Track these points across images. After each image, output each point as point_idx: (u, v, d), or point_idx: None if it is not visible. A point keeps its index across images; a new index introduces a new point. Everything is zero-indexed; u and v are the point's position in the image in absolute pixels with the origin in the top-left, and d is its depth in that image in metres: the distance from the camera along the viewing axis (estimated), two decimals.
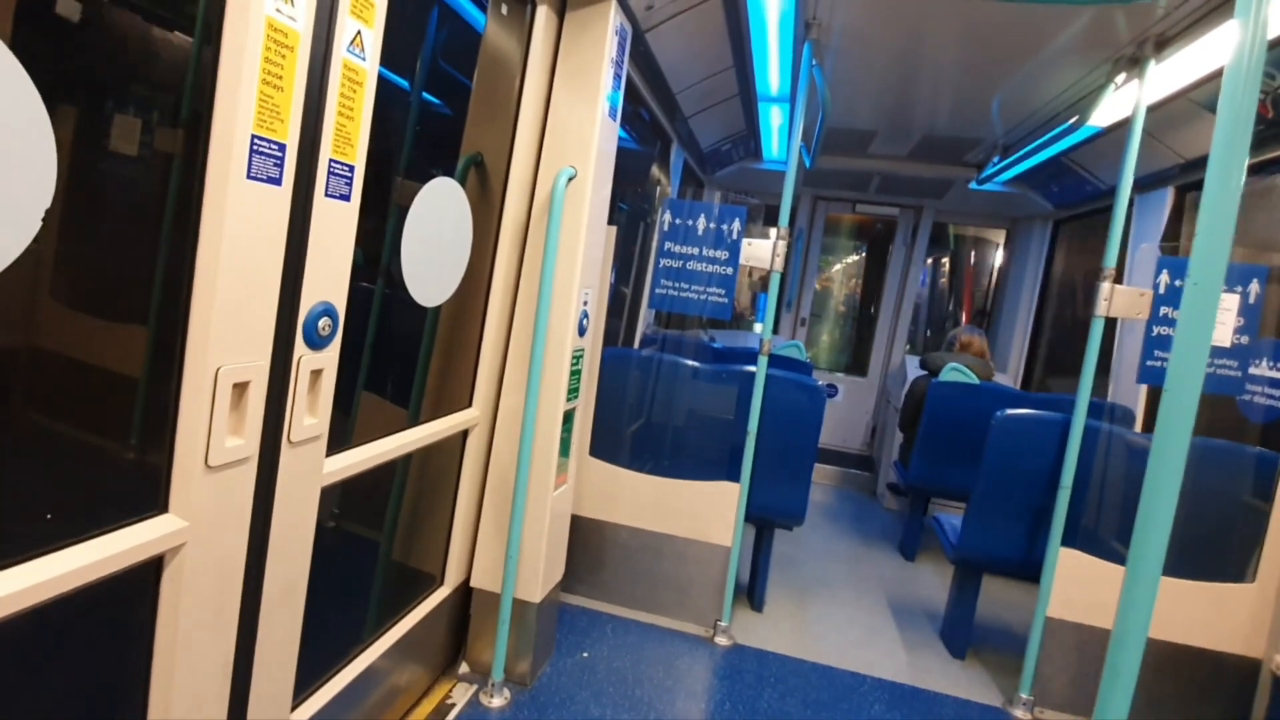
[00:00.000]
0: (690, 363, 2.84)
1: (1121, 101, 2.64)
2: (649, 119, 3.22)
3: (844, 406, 5.46)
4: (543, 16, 1.96)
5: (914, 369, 4.33)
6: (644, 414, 2.85)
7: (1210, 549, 2.37)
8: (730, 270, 2.52)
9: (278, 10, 1.07)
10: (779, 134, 4.03)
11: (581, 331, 2.14)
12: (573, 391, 2.14)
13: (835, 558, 3.59)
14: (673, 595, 2.66)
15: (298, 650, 1.41)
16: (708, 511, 2.61)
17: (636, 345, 4.01)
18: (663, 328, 4.52)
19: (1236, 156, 0.86)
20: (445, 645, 2.15)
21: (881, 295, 5.47)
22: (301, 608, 1.39)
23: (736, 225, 2.52)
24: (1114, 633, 0.92)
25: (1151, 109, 2.43)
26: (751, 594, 2.90)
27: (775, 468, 2.67)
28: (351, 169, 1.29)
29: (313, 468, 1.34)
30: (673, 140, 3.68)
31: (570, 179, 1.99)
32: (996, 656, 2.73)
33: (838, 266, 6.52)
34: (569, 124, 2.04)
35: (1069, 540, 2.32)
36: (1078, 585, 2.32)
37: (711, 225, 2.54)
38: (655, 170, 3.90)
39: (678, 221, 2.58)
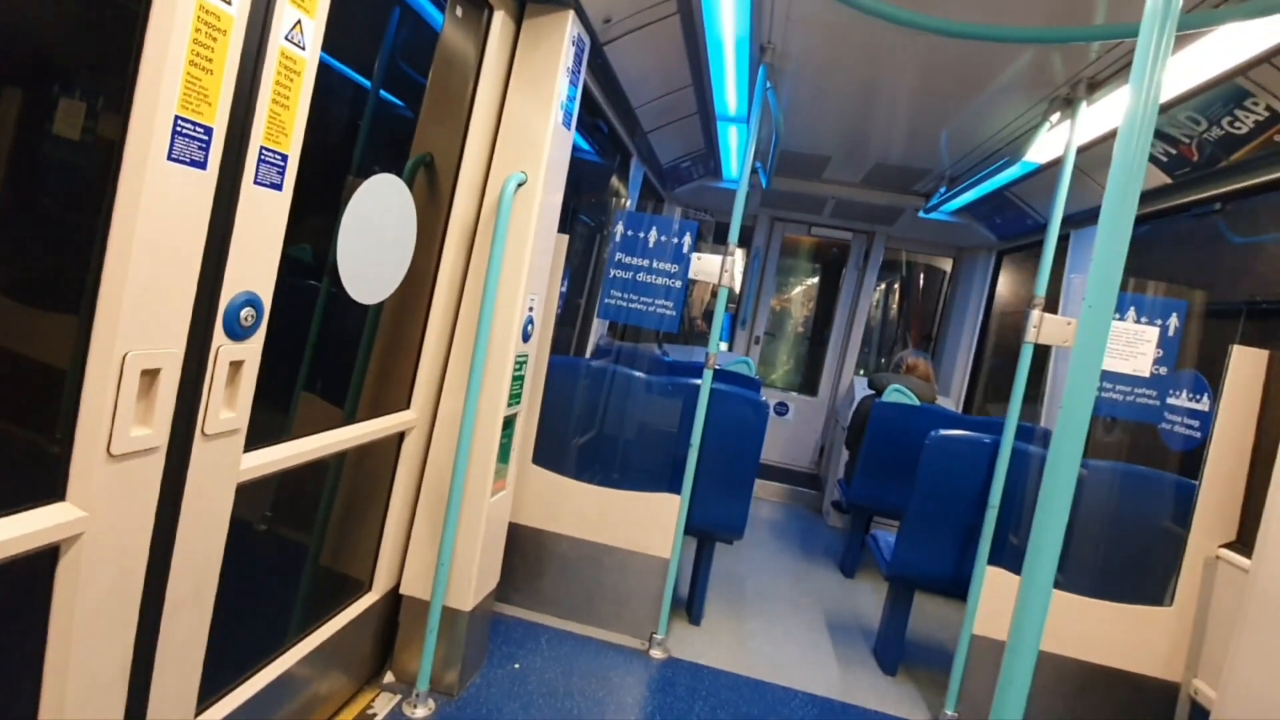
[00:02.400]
0: (636, 373, 2.85)
1: (1056, 140, 2.77)
2: (608, 132, 3.24)
3: (794, 425, 5.54)
4: (499, 22, 1.97)
5: (862, 390, 4.43)
6: (588, 423, 2.85)
7: (1131, 572, 2.46)
8: (679, 284, 2.55)
9: None
10: (738, 154, 4.11)
11: (526, 337, 2.13)
12: (514, 397, 2.12)
13: (777, 573, 3.62)
14: (611, 607, 2.64)
15: (204, 653, 1.35)
16: (649, 523, 2.61)
17: (588, 355, 4.01)
18: (616, 339, 4.53)
19: (1127, 204, 0.93)
20: (371, 653, 2.09)
21: (834, 316, 5.60)
22: (209, 608, 1.34)
23: (687, 239, 2.56)
24: (1009, 642, 0.95)
25: (1083, 149, 2.55)
26: (690, 607, 2.90)
27: (717, 481, 2.69)
28: (285, 158, 1.27)
29: (228, 463, 1.30)
30: (632, 154, 3.71)
31: (520, 184, 1.99)
32: (926, 673, 2.79)
33: (798, 289, 6.66)
34: (522, 130, 2.05)
35: (995, 559, 2.39)
36: (1003, 603, 2.38)
37: (663, 238, 2.57)
38: (615, 183, 3.93)
39: (630, 233, 2.60)
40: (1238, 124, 2.25)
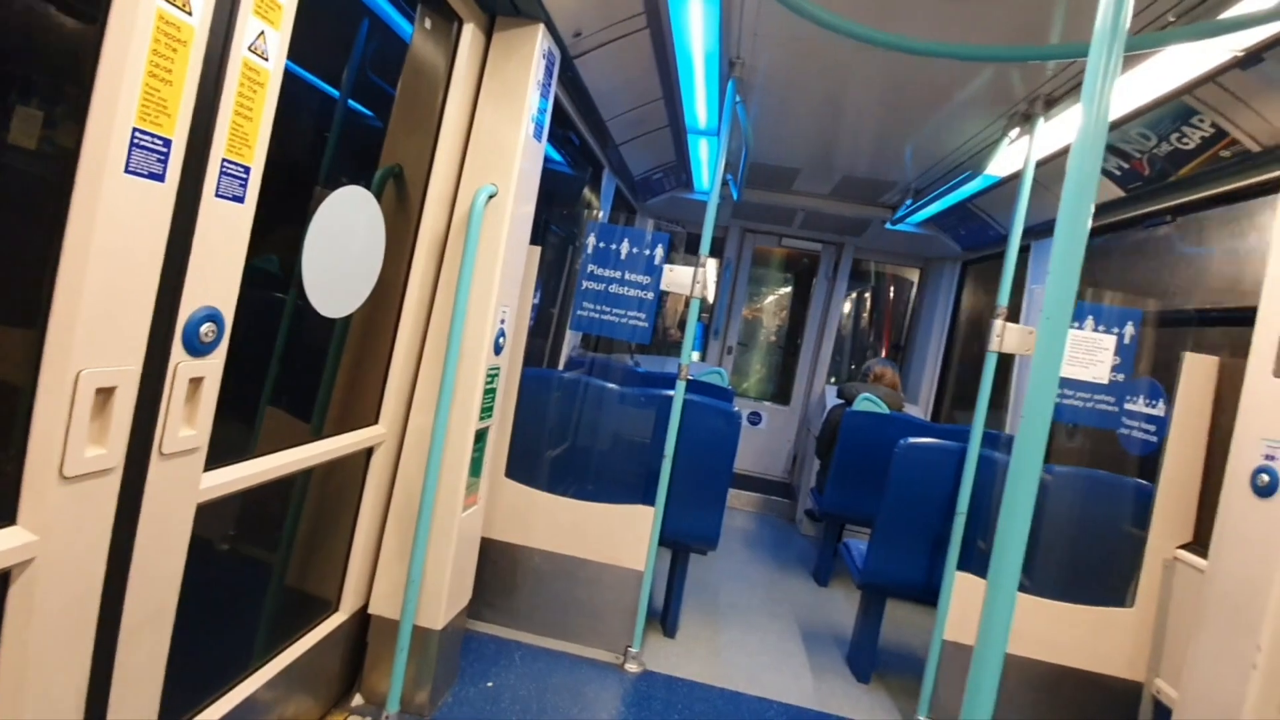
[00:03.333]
0: (609, 385, 2.85)
1: (1016, 154, 2.85)
2: (579, 144, 3.26)
3: (767, 434, 5.58)
4: (469, 35, 1.96)
5: (833, 399, 4.48)
6: (561, 435, 2.83)
7: (1094, 574, 2.52)
8: (651, 295, 2.56)
9: (170, 2, 1.04)
10: (709, 166, 4.15)
11: (498, 350, 2.12)
12: (486, 410, 2.10)
13: (751, 583, 3.63)
14: (585, 621, 2.62)
15: (163, 678, 1.30)
16: (623, 535, 2.60)
17: (561, 367, 4.00)
18: (589, 350, 4.53)
19: (1080, 217, 0.96)
20: (339, 675, 2.04)
21: (805, 326, 5.67)
22: (168, 634, 1.29)
23: (659, 251, 2.57)
24: (976, 646, 0.97)
25: (1042, 163, 2.63)
26: (665, 619, 2.89)
27: (690, 492, 2.69)
28: (247, 170, 1.24)
29: (187, 482, 1.26)
30: (604, 166, 3.73)
31: (491, 197, 1.99)
32: (899, 680, 2.81)
33: (770, 298, 6.73)
34: (492, 142, 2.05)
35: (964, 565, 2.43)
36: (973, 608, 2.42)
37: (634, 250, 2.58)
38: (587, 194, 3.94)
39: (602, 245, 2.61)
40: (1185, 140, 2.35)
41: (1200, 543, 2.31)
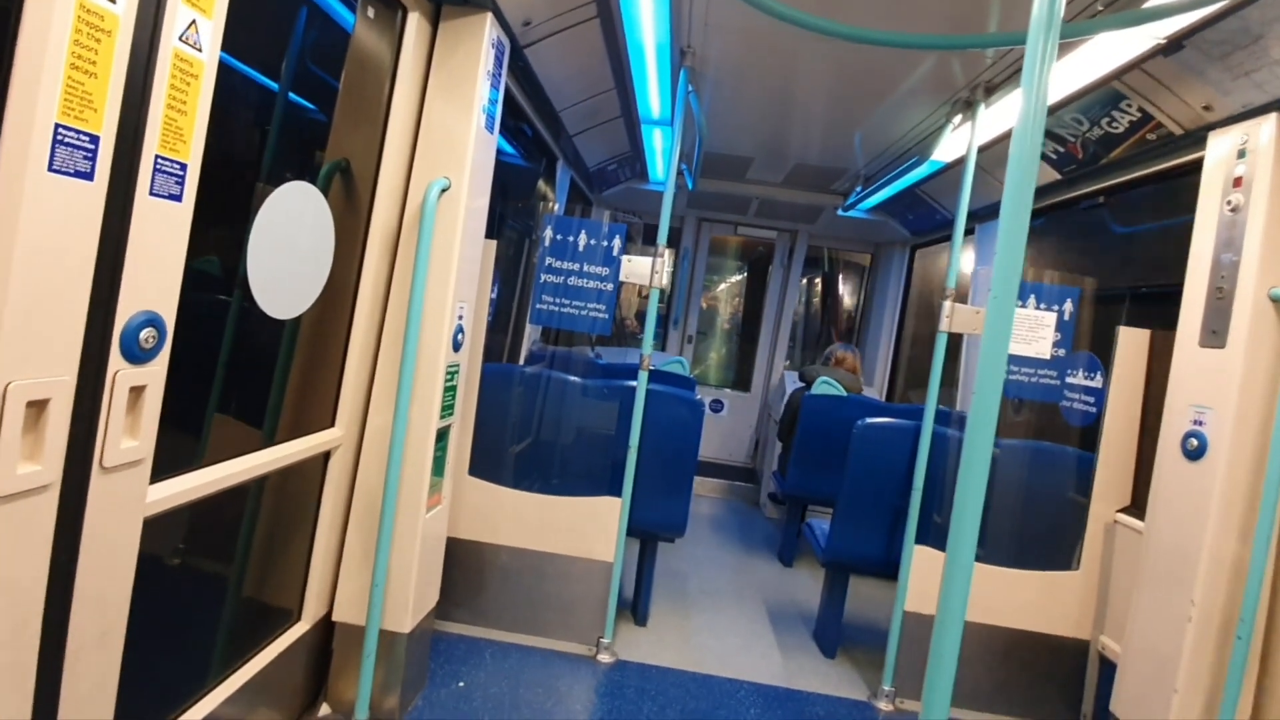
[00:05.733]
0: (571, 378, 2.84)
1: (959, 140, 2.94)
2: (532, 135, 3.21)
3: (729, 421, 5.65)
4: (414, 23, 1.91)
5: (792, 383, 4.56)
6: (525, 430, 2.81)
7: (1043, 541, 2.64)
8: (610, 286, 2.55)
9: None
10: (663, 156, 4.15)
11: (457, 346, 2.08)
12: (447, 408, 2.07)
13: (719, 567, 3.68)
14: (556, 615, 2.61)
15: (114, 703, 1.25)
16: (590, 527, 2.60)
17: (522, 361, 3.96)
18: (549, 344, 4.49)
19: (1023, 199, 1.00)
20: (303, 686, 1.99)
21: (762, 313, 5.74)
22: (118, 657, 1.24)
23: (617, 242, 2.56)
24: (938, 614, 1.00)
25: (983, 148, 2.72)
26: (636, 608, 2.91)
27: (656, 481, 2.70)
28: (184, 167, 1.19)
29: (133, 496, 1.21)
30: (558, 158, 3.69)
31: (444, 190, 1.95)
32: (864, 653, 2.90)
33: (723, 286, 6.78)
34: (443, 134, 2.00)
35: (922, 538, 2.51)
36: (931, 580, 2.50)
37: (592, 242, 2.57)
38: (542, 187, 3.89)
39: (559, 237, 2.59)
40: (1115, 124, 2.45)
41: (1137, 506, 2.44)
